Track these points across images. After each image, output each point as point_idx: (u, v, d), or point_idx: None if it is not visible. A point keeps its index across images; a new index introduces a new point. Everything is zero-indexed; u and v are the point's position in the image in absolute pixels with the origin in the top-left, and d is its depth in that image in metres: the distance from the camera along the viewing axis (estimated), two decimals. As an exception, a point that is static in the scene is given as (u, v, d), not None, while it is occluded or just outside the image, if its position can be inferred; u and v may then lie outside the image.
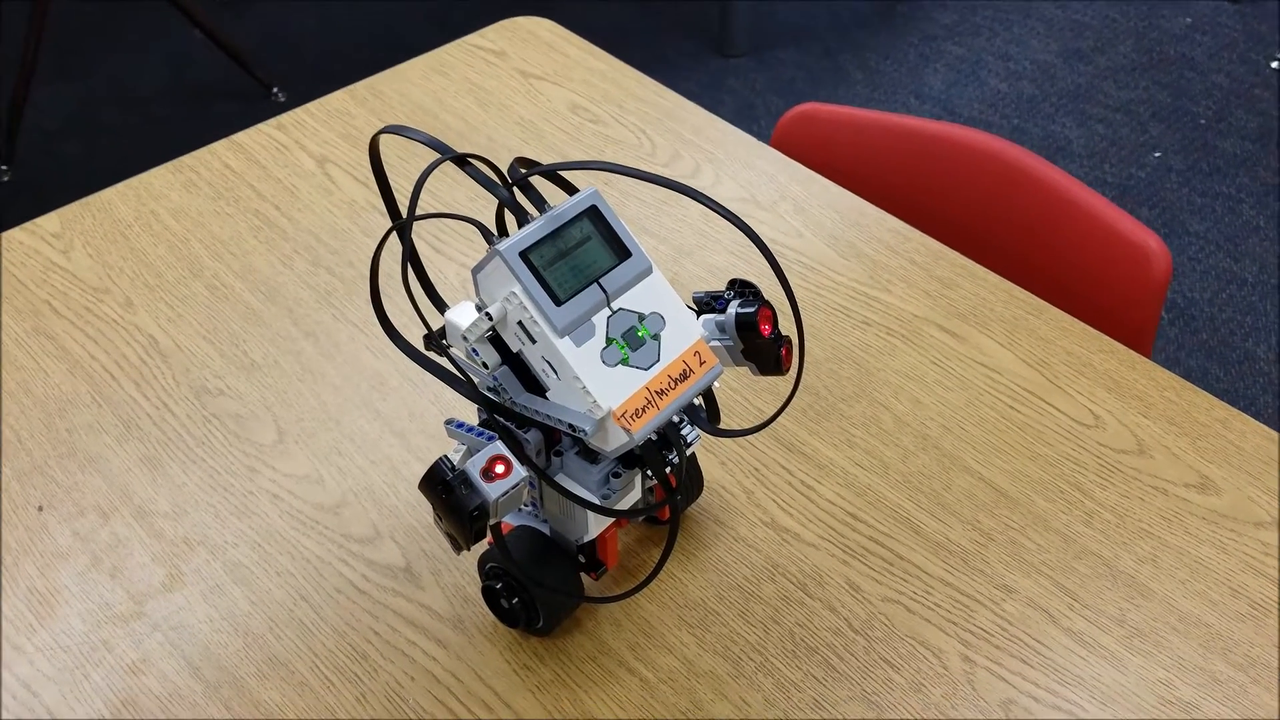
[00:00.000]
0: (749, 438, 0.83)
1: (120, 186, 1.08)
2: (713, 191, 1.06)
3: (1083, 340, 0.90)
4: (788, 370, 0.69)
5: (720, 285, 0.95)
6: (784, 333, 0.68)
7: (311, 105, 1.17)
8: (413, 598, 0.75)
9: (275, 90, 2.53)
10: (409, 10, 2.81)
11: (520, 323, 0.60)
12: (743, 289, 0.70)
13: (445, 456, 0.60)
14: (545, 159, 1.08)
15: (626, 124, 1.14)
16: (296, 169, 1.09)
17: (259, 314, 0.95)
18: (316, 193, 1.06)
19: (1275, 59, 2.54)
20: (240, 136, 1.13)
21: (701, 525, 0.78)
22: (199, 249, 1.01)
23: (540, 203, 0.62)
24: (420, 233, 1.01)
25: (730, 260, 0.99)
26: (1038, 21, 2.76)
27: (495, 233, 0.63)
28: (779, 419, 0.85)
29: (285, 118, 1.15)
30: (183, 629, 0.74)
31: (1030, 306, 0.93)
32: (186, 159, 1.11)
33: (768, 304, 0.68)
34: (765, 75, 2.60)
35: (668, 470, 0.66)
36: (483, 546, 0.71)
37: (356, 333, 0.93)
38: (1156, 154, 2.36)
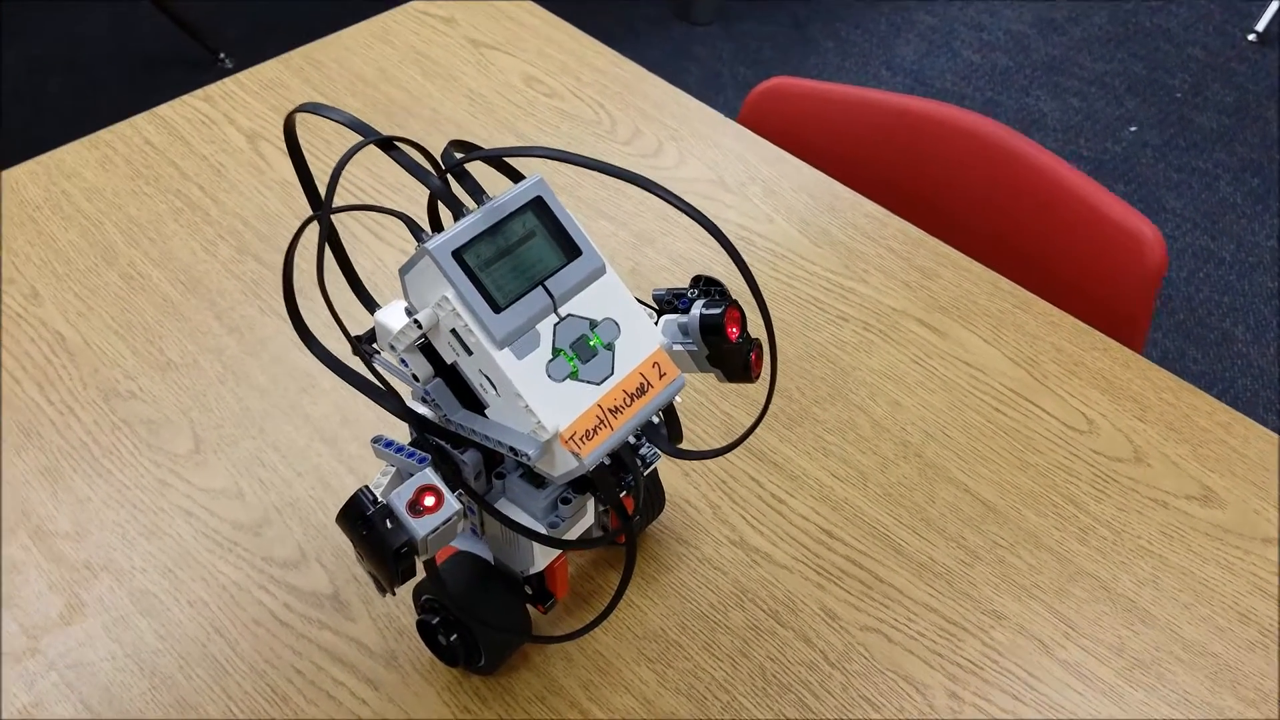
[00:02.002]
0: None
1: (30, 164, 0.99)
2: (676, 172, 0.98)
3: (1073, 336, 0.84)
4: (757, 378, 0.62)
5: (684, 276, 0.88)
6: (753, 336, 0.61)
7: (242, 75, 1.08)
8: (341, 630, 0.67)
9: (222, 56, 2.42)
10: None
11: (454, 331, 0.52)
12: (708, 287, 0.63)
13: (366, 488, 0.52)
14: (495, 135, 1.00)
15: (584, 97, 1.06)
16: (224, 145, 1.00)
17: (177, 307, 0.86)
18: (246, 171, 0.98)
19: (1252, 31, 2.49)
20: (163, 109, 1.04)
21: (663, 545, 0.71)
22: (113, 233, 0.92)
23: (478, 193, 0.54)
24: (358, 217, 0.93)
25: (696, 248, 0.91)
26: (1011, -10, 2.69)
27: (427, 228, 0.55)
28: (745, 425, 0.78)
29: (213, 89, 1.06)
30: (82, 667, 0.66)
31: (1016, 299, 0.86)
32: (103, 133, 1.02)
33: (735, 304, 0.61)
34: (732, 44, 2.51)
35: (623, 494, 0.59)
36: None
37: (285, 327, 0.84)
38: (1132, 128, 2.31)
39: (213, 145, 1.00)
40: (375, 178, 0.96)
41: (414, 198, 0.94)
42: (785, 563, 0.70)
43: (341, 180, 0.96)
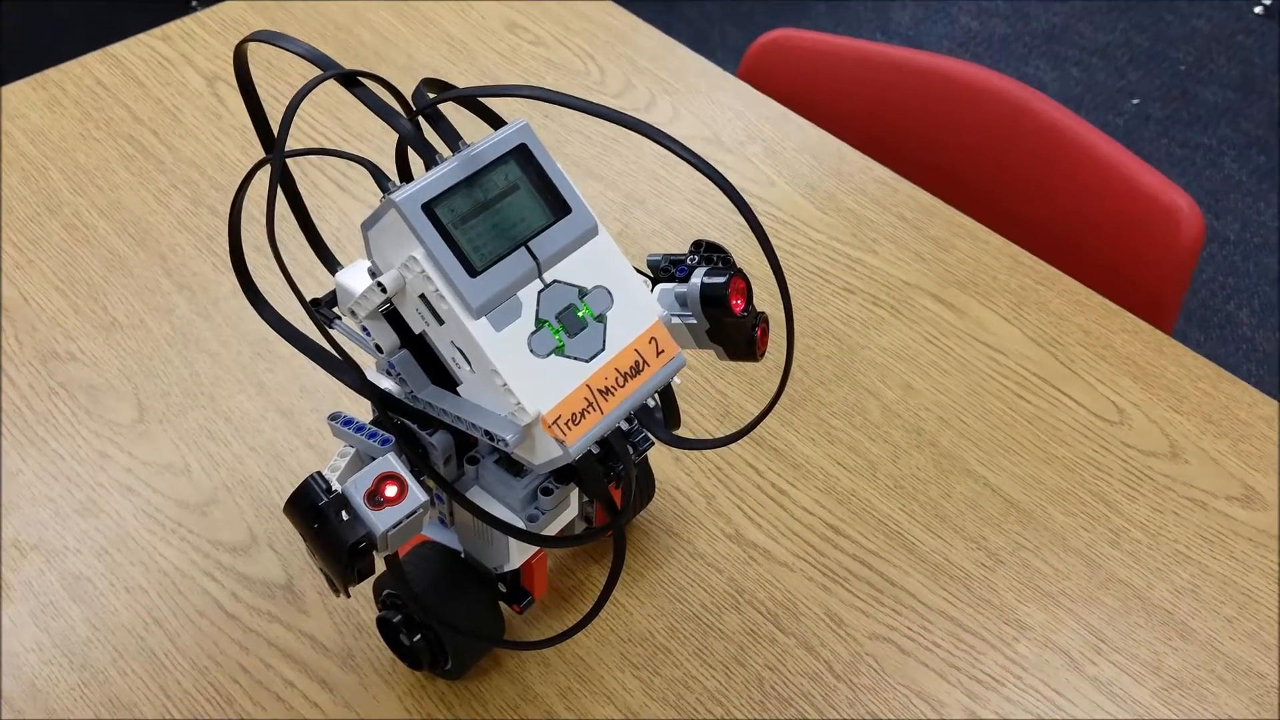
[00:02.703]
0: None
1: (-30, 102, 0.91)
2: (670, 129, 0.91)
3: (1101, 317, 0.77)
4: (762, 356, 0.56)
5: (679, 241, 0.81)
6: (759, 310, 0.54)
7: (204, 14, 1.00)
8: (293, 624, 0.60)
9: (194, 4, 2.32)
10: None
11: (423, 296, 0.45)
12: (709, 253, 0.56)
13: (319, 473, 0.46)
14: (474, 84, 0.93)
15: (571, 47, 0.98)
16: (181, 88, 0.92)
17: (125, 261, 0.79)
18: (203, 116, 0.90)
19: (1259, 4, 2.42)
20: (117, 48, 0.96)
21: (651, 537, 0.64)
22: (58, 180, 0.84)
23: (454, 139, 0.47)
24: (322, 167, 0.85)
25: (691, 212, 0.84)
26: (1011, -44, 2.61)
27: (395, 178, 0.48)
28: (744, 407, 0.71)
29: (171, 27, 0.98)
30: (5, 659, 0.59)
31: (1039, 275, 0.80)
32: (51, 73, 0.94)
33: (741, 273, 0.54)
34: (722, 4, 2.43)
35: (611, 483, 0.52)
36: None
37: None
38: (1134, 101, 2.24)
39: (169, 88, 0.92)
40: (340, 124, 0.89)
41: (383, 148, 0.87)
42: (786, 560, 0.64)
43: (302, 126, 0.88)
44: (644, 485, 0.63)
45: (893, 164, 0.87)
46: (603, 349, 0.47)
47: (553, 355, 0.46)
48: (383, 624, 0.57)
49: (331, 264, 0.53)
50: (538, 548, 0.55)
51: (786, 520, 0.65)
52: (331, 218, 0.81)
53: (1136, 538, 0.65)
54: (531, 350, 0.46)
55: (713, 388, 0.72)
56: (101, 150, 0.87)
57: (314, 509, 0.44)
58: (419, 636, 0.55)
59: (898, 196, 0.85)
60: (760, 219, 0.83)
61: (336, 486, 0.45)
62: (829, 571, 0.63)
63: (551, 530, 0.54)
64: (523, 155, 0.47)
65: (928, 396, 0.72)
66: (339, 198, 0.83)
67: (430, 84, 0.49)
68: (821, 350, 0.75)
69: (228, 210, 0.82)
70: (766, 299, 0.73)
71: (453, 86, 0.48)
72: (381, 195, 0.45)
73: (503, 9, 1.01)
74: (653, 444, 0.55)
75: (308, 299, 0.51)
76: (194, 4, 2.32)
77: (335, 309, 0.53)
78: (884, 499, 0.67)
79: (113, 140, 0.87)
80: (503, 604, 0.58)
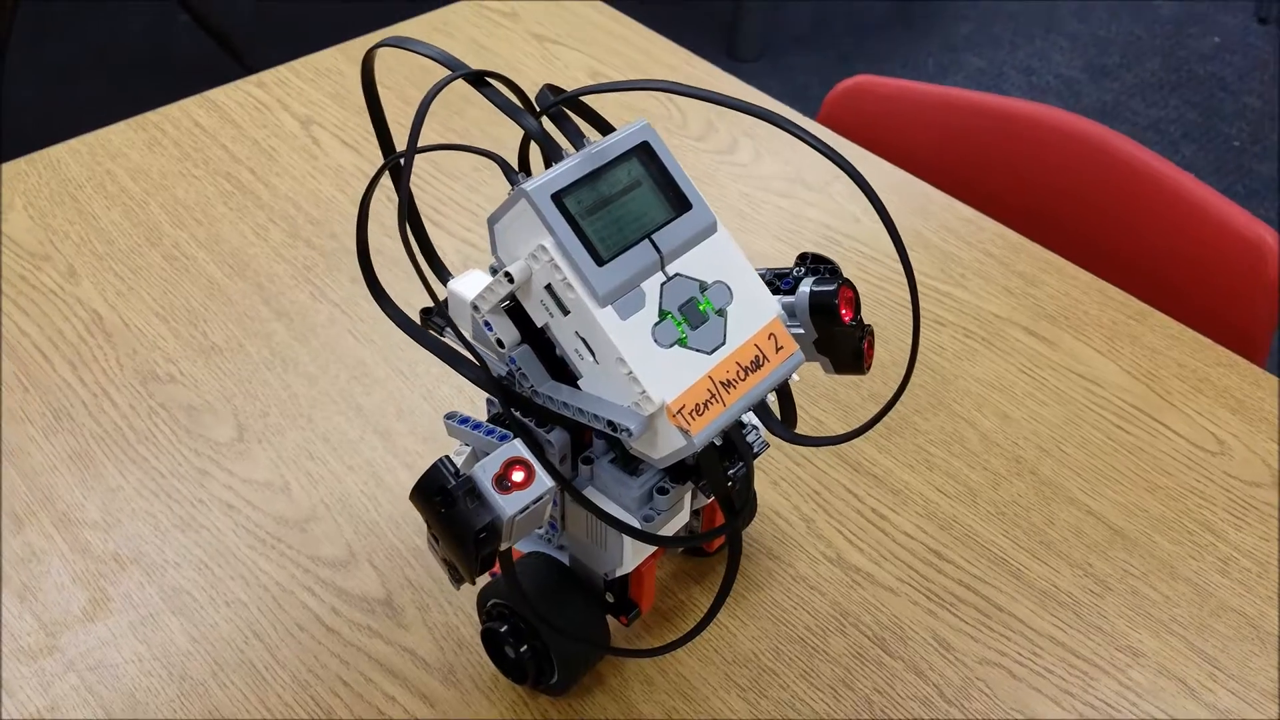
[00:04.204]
0: (809, 451, 0.69)
1: (73, 142, 0.94)
2: (753, 169, 0.92)
3: (1195, 351, 0.76)
4: (869, 368, 0.56)
5: (768, 274, 0.82)
6: (867, 322, 0.54)
7: (297, 63, 1.03)
8: (393, 639, 0.60)
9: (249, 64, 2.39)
10: None
11: (549, 287, 0.46)
12: (816, 264, 0.57)
13: (446, 458, 0.46)
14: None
15: (653, 93, 1.00)
16: (276, 130, 0.95)
17: (223, 289, 0.80)
18: (298, 156, 0.92)
19: (1316, 81, 2.42)
20: (215, 93, 0.99)
21: (752, 559, 0.64)
22: (158, 214, 0.86)
23: (578, 137, 0.48)
24: (418, 197, 0.86)
25: (778, 247, 0.85)
26: (1060, 36, 2.64)
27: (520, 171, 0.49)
28: (835, 428, 0.71)
29: (266, 75, 1.01)
30: (104, 669, 0.59)
31: (1130, 310, 0.79)
32: (151, 115, 0.96)
33: (848, 283, 0.54)
34: (778, 80, 2.47)
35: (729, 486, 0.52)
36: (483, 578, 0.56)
37: (337, 313, 0.78)
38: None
39: (265, 130, 0.95)
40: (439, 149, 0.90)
41: (487, 183, 0.88)
42: (890, 585, 0.63)
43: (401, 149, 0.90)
44: (749, 500, 0.63)
45: (977, 204, 0.88)
46: (724, 342, 0.47)
47: (675, 346, 0.46)
48: (488, 635, 0.57)
49: (443, 274, 0.54)
50: (650, 551, 0.54)
51: (888, 545, 0.65)
52: (424, 250, 0.83)
53: (1245, 566, 0.64)
54: (655, 340, 0.46)
55: (808, 414, 0.72)
56: (200, 187, 0.89)
57: (443, 493, 0.44)
58: (525, 648, 0.55)
59: (983, 234, 0.85)
60: (848, 254, 0.84)
61: (465, 471, 0.45)
62: (934, 596, 0.62)
63: (665, 534, 0.54)
64: (645, 152, 0.48)
65: (1025, 426, 0.71)
66: (432, 231, 0.84)
67: (552, 89, 0.50)
68: (916, 380, 0.74)
69: (324, 243, 0.83)
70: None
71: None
72: (510, 189, 0.46)
73: (585, 59, 1.03)
74: (767, 447, 0.55)
75: (414, 311, 0.51)
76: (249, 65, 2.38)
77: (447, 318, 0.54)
78: (986, 525, 0.66)
79: (211, 178, 0.90)
80: (609, 617, 0.57)
